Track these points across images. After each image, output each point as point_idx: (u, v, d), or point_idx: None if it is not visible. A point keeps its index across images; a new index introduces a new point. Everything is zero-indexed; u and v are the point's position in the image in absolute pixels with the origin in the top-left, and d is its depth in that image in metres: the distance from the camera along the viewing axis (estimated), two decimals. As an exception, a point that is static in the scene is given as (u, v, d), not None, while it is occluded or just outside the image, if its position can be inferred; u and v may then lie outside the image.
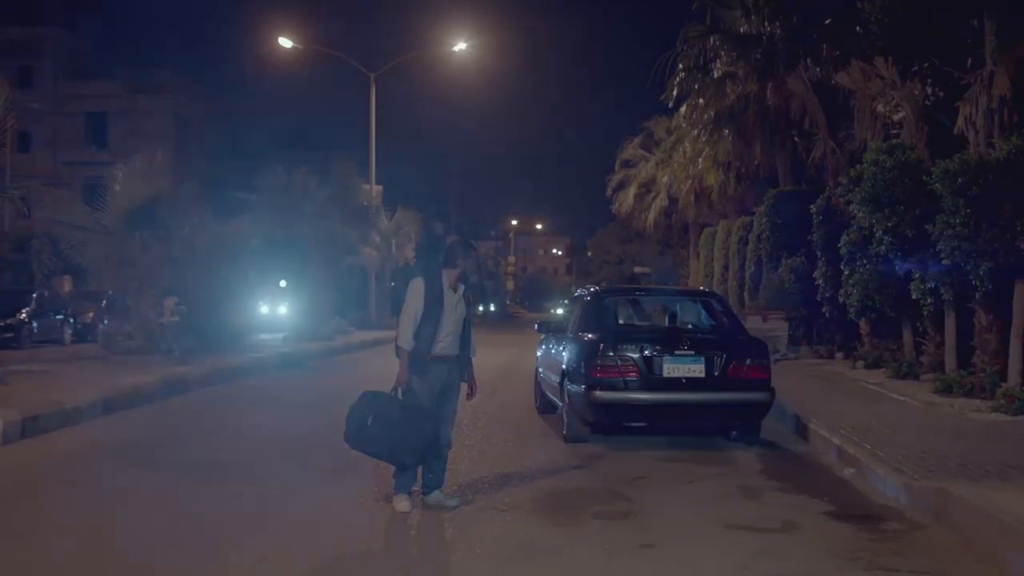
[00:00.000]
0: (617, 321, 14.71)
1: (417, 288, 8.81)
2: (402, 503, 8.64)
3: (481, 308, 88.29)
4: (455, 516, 8.54)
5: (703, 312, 14.69)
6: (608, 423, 12.78)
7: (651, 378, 12.18)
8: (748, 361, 12.44)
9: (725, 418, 12.83)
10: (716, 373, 12.25)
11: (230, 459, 11.38)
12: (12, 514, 8.75)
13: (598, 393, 12.10)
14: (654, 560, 7.35)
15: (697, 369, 12.24)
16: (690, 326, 14.52)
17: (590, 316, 13.81)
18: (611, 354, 12.26)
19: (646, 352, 12.24)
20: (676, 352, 12.30)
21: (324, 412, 15.68)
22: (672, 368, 12.22)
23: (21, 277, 39.12)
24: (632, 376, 12.18)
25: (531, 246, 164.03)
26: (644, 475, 10.39)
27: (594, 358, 12.32)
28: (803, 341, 24.65)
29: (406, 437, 8.44)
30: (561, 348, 13.94)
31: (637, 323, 15.38)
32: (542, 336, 16.20)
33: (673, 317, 15.16)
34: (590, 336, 12.95)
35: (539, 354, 16.18)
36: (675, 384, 12.20)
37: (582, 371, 12.45)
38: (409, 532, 8.19)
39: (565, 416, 13.08)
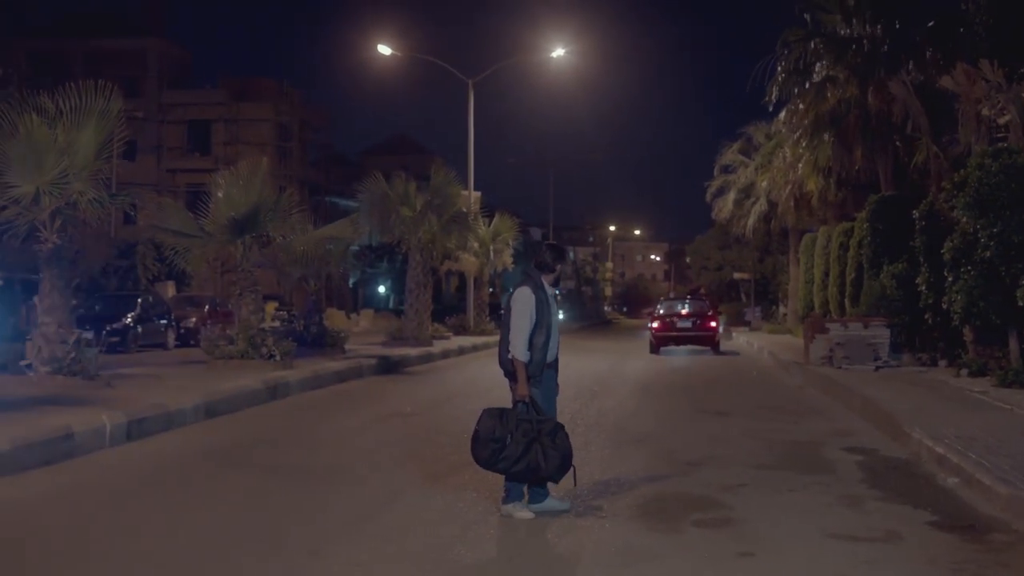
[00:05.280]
0: (664, 308, 37.40)
1: (527, 297, 8.82)
2: (523, 511, 8.68)
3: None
4: (555, 522, 8.55)
5: (700, 303, 38.44)
6: (659, 344, 34.78)
7: (673, 327, 35.03)
8: (709, 323, 35.16)
9: (698, 342, 34.78)
10: (694, 326, 34.89)
11: (330, 463, 11.52)
12: (119, 513, 8.96)
13: (656, 333, 35.07)
14: (754, 569, 7.31)
15: (688, 324, 34.96)
16: (691, 309, 36.75)
17: (657, 306, 38.63)
18: (660, 319, 35.67)
19: (671, 318, 35.47)
20: (680, 317, 35.46)
21: (423, 417, 15.86)
22: (680, 324, 35.07)
23: (126, 282, 39.89)
24: (667, 326, 35.10)
25: (629, 252, 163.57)
26: (744, 483, 10.31)
27: (655, 320, 36.13)
28: (905, 348, 24.32)
29: (550, 453, 8.49)
30: (649, 320, 38.13)
31: (673, 308, 37.34)
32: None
33: (685, 306, 37.57)
34: (655, 314, 36.78)
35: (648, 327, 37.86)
36: (680, 329, 34.92)
37: (651, 326, 36.12)
38: (508, 538, 8.20)
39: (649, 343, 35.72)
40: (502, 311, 9.57)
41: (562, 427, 8.73)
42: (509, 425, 8.51)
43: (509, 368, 8.84)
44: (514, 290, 9.04)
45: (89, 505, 9.40)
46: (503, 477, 8.69)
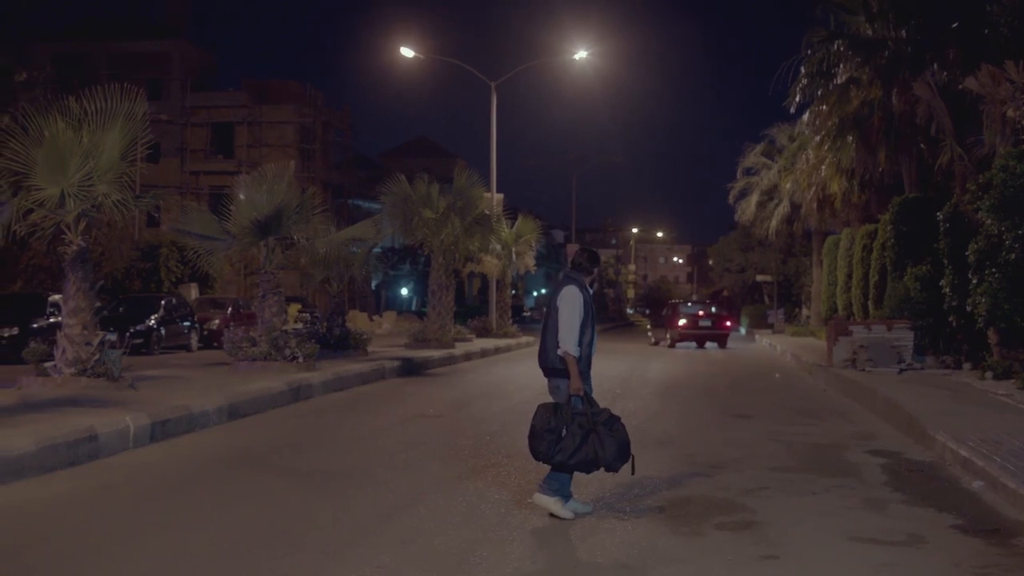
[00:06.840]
0: (685, 310, 45.43)
1: (575, 295, 8.99)
2: (564, 511, 8.75)
3: None
4: (578, 524, 8.56)
5: (716, 307, 48.42)
6: (681, 340, 43.48)
7: (694, 325, 43.44)
8: (725, 323, 44.41)
9: (714, 339, 43.63)
10: (712, 324, 43.51)
11: (352, 465, 11.52)
12: (140, 514, 8.99)
13: (682, 330, 43.33)
14: (777, 572, 7.30)
15: (707, 323, 43.54)
16: (708, 312, 45.38)
17: (675, 307, 46.34)
18: (684, 317, 43.85)
19: (691, 318, 43.78)
20: (700, 317, 44.01)
21: (445, 419, 15.85)
22: (700, 323, 43.54)
23: (150, 284, 40.04)
24: (689, 323, 43.48)
25: (652, 254, 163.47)
26: (766, 486, 10.30)
27: (679, 318, 43.79)
28: (929, 351, 24.21)
29: (608, 441, 8.67)
30: (664, 318, 46.87)
31: (693, 310, 45.35)
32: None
33: (702, 309, 46.60)
34: (677, 314, 44.42)
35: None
36: (700, 328, 43.46)
37: (676, 325, 43.50)
38: (531, 540, 8.20)
39: (668, 338, 44.40)
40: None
41: (619, 418, 8.92)
42: (564, 418, 8.67)
43: (557, 366, 8.94)
44: (560, 290, 9.16)
45: (111, 506, 9.43)
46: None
